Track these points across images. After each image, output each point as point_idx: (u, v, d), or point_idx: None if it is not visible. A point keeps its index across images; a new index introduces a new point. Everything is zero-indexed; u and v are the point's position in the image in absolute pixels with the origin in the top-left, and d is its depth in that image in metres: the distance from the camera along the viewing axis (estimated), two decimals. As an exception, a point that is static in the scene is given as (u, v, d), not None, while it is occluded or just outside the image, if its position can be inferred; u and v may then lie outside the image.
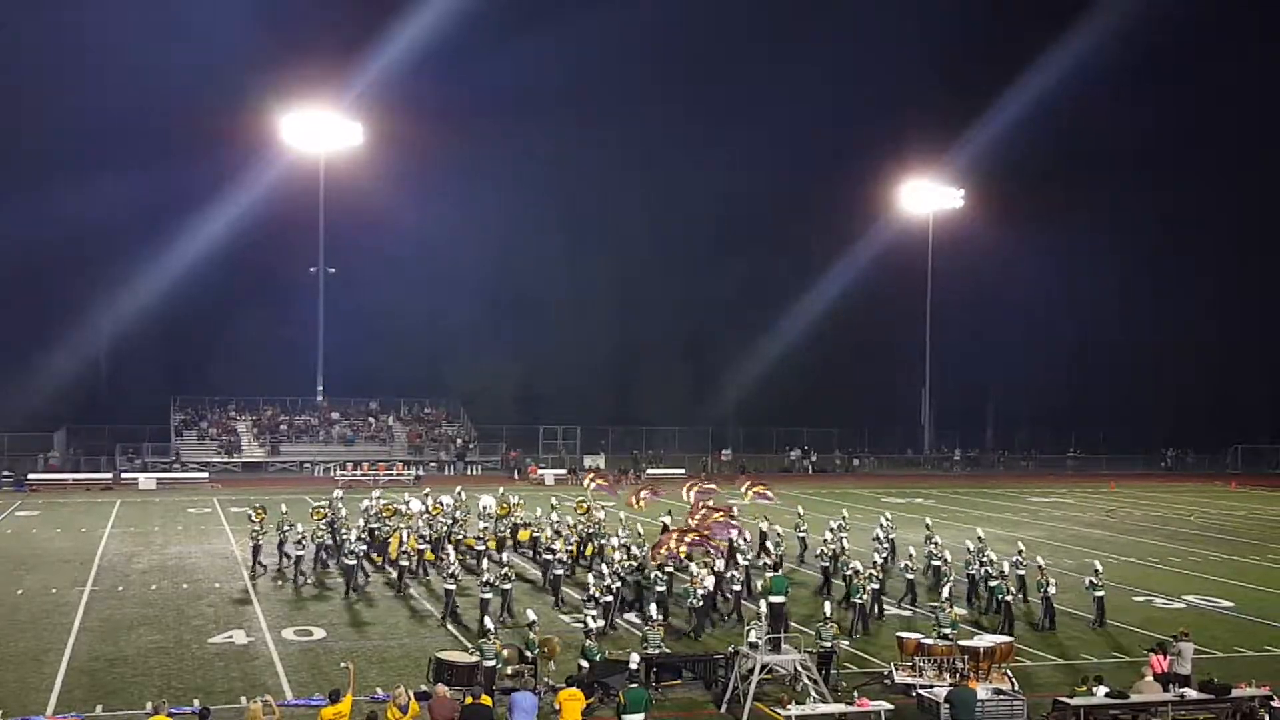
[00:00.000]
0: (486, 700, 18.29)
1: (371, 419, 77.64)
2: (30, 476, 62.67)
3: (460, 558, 31.20)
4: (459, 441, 76.49)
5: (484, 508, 37.56)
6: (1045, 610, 27.87)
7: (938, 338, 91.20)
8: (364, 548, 32.72)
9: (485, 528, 35.34)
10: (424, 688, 20.34)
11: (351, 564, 31.04)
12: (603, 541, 33.58)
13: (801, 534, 37.23)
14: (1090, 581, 28.39)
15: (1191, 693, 20.74)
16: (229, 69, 74.73)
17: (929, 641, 22.76)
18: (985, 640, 22.99)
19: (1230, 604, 31.26)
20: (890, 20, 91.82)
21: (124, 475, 64.49)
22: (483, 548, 33.54)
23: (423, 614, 28.62)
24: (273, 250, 78.25)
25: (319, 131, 73.19)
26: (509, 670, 21.23)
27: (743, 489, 38.25)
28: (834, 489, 65.94)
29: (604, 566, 28.38)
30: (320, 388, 77.39)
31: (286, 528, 33.70)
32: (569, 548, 32.13)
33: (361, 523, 35.30)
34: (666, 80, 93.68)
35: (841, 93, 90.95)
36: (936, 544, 32.63)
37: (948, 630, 23.22)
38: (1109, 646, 26.17)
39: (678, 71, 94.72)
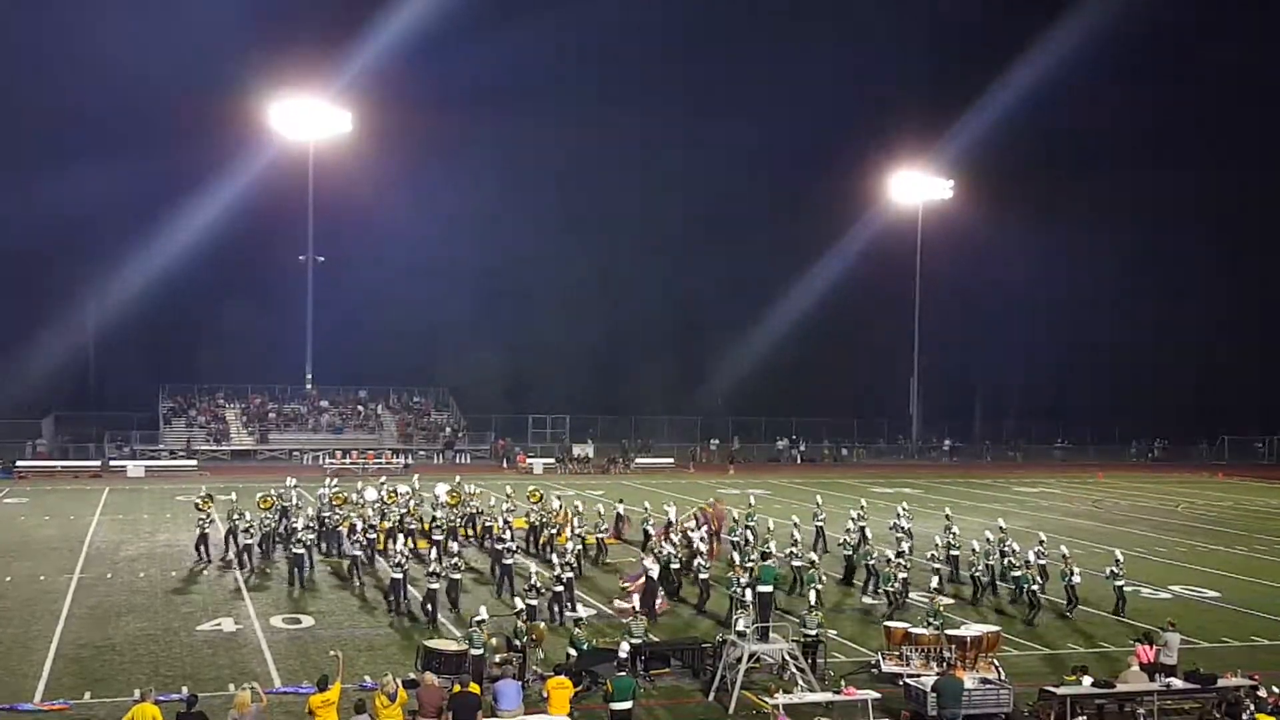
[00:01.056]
0: (474, 688, 18.39)
1: (360, 407, 77.56)
2: (18, 464, 62.39)
3: (410, 546, 30.98)
4: (448, 430, 76.43)
5: (435, 497, 37.48)
6: (1069, 598, 28.38)
7: (926, 328, 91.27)
8: (312, 536, 32.55)
9: (437, 517, 35.07)
10: (412, 676, 20.43)
11: (299, 553, 30.77)
12: (553, 531, 33.73)
13: (819, 522, 37.22)
14: (1111, 571, 28.85)
15: (1178, 682, 20.86)
16: (218, 56, 74.52)
17: (916, 631, 22.94)
18: (972, 630, 23.14)
19: (1217, 594, 31.50)
20: (881, 10, 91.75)
21: (112, 463, 64.42)
22: (439, 537, 33.27)
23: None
24: (262, 238, 77.92)
25: (308, 120, 72.85)
26: (497, 659, 21.27)
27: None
28: (822, 479, 65.91)
29: (554, 556, 28.41)
30: (309, 376, 77.15)
31: (236, 517, 33.37)
32: (516, 539, 31.89)
33: (311, 511, 35.16)
34: (656, 70, 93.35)
35: (831, 83, 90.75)
36: (955, 534, 33.14)
37: (935, 620, 23.33)
38: (1127, 634, 26.09)
39: (667, 61, 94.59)
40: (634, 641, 22.15)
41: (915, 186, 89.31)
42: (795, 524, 33.24)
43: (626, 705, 18.54)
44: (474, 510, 37.49)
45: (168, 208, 75.18)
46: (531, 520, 35.91)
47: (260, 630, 25.55)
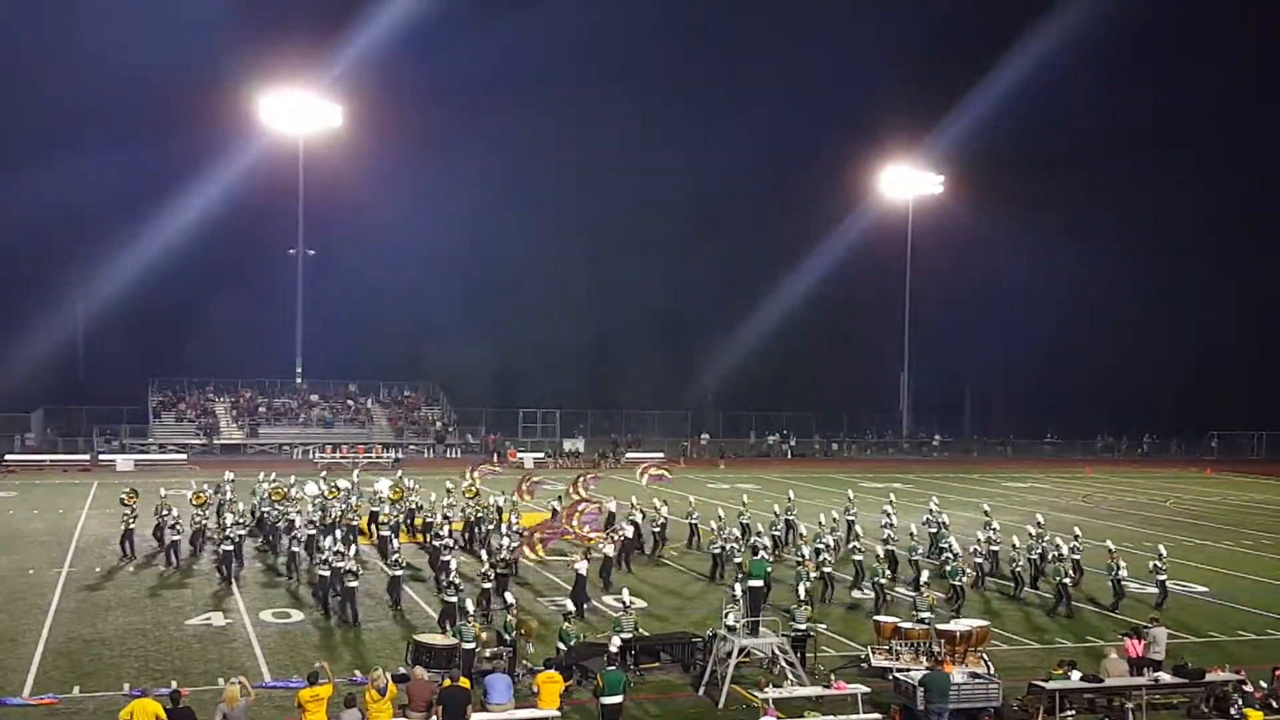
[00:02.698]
0: (465, 682, 18.43)
1: (350, 401, 77.57)
2: (7, 457, 62.34)
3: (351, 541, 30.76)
4: (438, 425, 76.49)
5: (376, 492, 37.10)
6: (1115, 591, 28.71)
7: (917, 323, 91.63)
8: (243, 532, 32.14)
9: (378, 513, 34.76)
10: (402, 670, 20.45)
11: (228, 549, 30.41)
12: (489, 527, 33.53)
13: (851, 517, 36.14)
14: (1154, 565, 29.25)
15: (1165, 676, 21.01)
16: (207, 49, 74.38)
17: (906, 625, 22.99)
18: (962, 624, 23.15)
19: (1204, 589, 31.58)
20: (871, 6, 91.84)
21: (101, 456, 64.29)
22: (387, 533, 32.89)
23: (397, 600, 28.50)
24: (251, 232, 77.93)
25: (298, 113, 72.87)
26: (487, 653, 21.30)
27: (639, 472, 39.14)
28: (813, 473, 66.13)
29: (483, 553, 28.52)
30: (299, 370, 77.34)
31: (165, 512, 32.87)
32: (454, 534, 31.67)
33: (241, 506, 34.44)
34: (646, 65, 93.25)
35: (822, 78, 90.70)
36: (996, 530, 33.29)
37: (925, 614, 23.47)
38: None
39: (657, 56, 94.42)
40: (624, 636, 22.17)
41: (905, 182, 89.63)
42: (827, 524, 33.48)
43: (617, 699, 18.54)
44: (414, 505, 36.91)
45: (157, 201, 75.13)
46: (468, 516, 35.42)
47: (250, 625, 25.54)
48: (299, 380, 77.34)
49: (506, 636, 21.81)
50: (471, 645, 21.10)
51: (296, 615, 26.56)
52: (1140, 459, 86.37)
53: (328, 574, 26.76)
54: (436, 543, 30.07)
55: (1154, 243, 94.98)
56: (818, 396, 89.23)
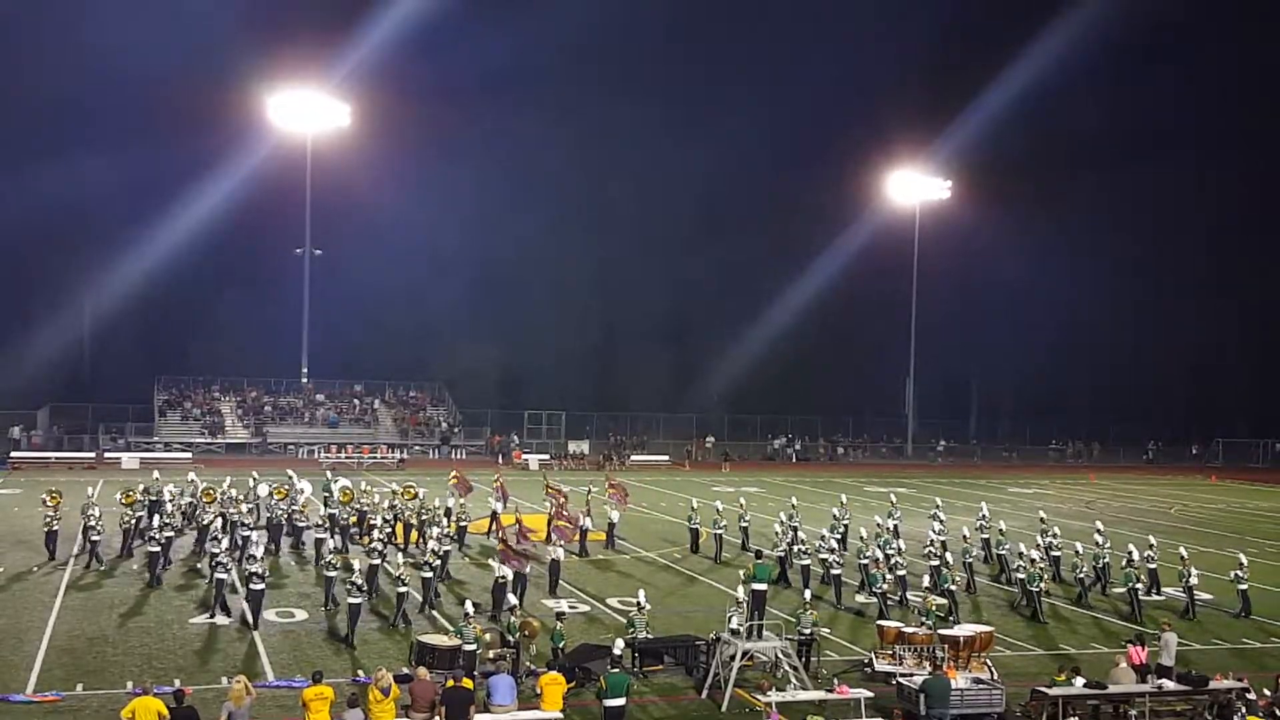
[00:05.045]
0: (468, 683, 18.51)
1: (356, 402, 77.72)
2: (13, 455, 62.48)
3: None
4: (444, 425, 76.62)
5: (328, 494, 36.26)
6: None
7: (922, 328, 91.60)
8: (170, 534, 31.85)
9: (333, 514, 34.71)
10: (405, 670, 20.56)
11: (154, 550, 30.20)
12: (427, 529, 33.07)
13: (895, 520, 36.81)
14: (1235, 574, 29.90)
15: (1169, 684, 21.03)
16: (216, 48, 74.79)
17: (909, 630, 23.07)
18: (965, 629, 23.29)
19: (1208, 596, 31.48)
20: (878, 10, 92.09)
21: (107, 454, 64.31)
22: (323, 535, 32.87)
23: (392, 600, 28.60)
24: (259, 231, 78.24)
25: (306, 112, 72.99)
26: (490, 654, 21.35)
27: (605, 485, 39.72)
28: (818, 477, 66.29)
29: (399, 555, 28.56)
30: (305, 369, 77.47)
31: (92, 510, 32.51)
32: (386, 532, 31.72)
33: (170, 507, 34.21)
34: (653, 67, 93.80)
35: (829, 83, 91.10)
36: (1056, 534, 33.72)
37: (927, 619, 23.57)
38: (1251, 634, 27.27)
39: (665, 59, 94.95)
40: (641, 635, 22.32)
41: (912, 186, 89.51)
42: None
43: (620, 701, 18.61)
44: (362, 508, 36.31)
45: (164, 199, 75.22)
46: (405, 517, 35.07)
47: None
48: (305, 379, 77.48)
49: (510, 638, 21.88)
50: (474, 647, 21.18)
51: (300, 615, 26.67)
52: (1145, 466, 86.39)
53: (259, 569, 26.07)
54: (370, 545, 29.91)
55: (1159, 250, 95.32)
56: (823, 400, 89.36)
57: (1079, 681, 20.55)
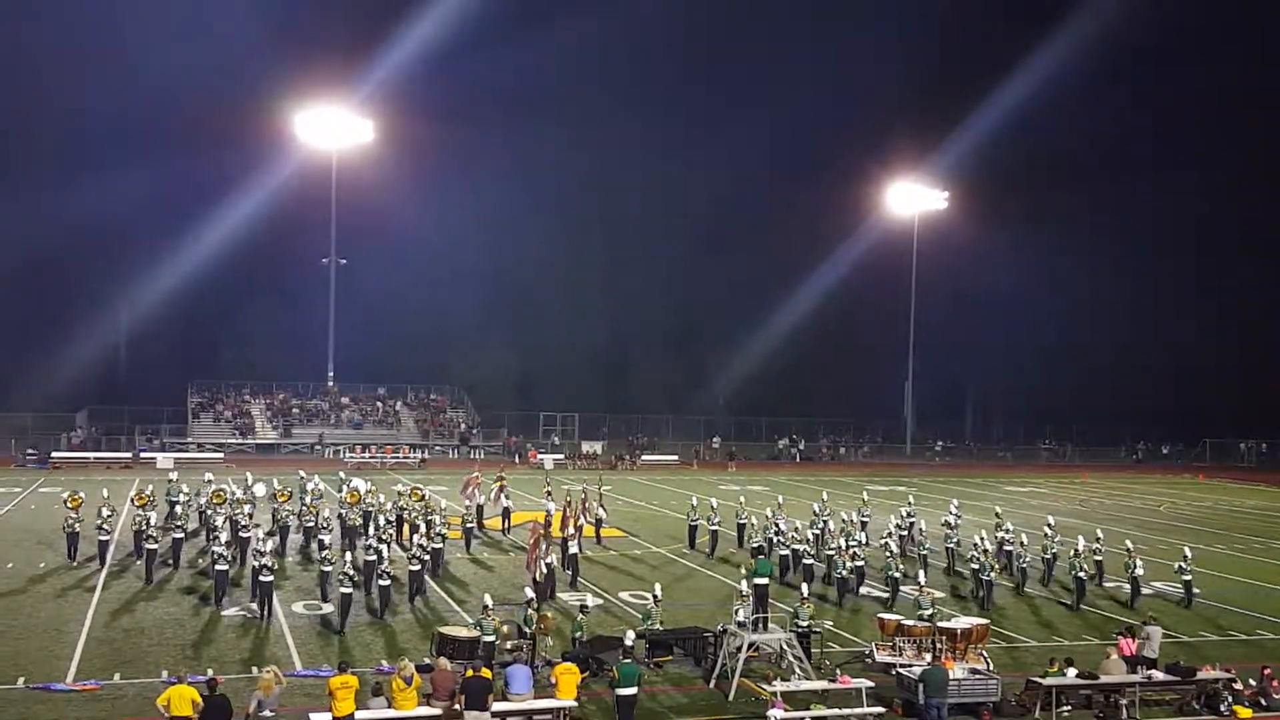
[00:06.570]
0: (486, 673, 18.93)
1: (380, 404, 79.45)
2: (53, 455, 63.74)
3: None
4: (463, 427, 78.31)
5: (339, 495, 36.72)
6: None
7: (921, 334, 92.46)
8: (181, 535, 32.41)
9: (342, 514, 35.30)
10: (426, 660, 21.16)
11: (151, 548, 30.29)
12: (421, 524, 32.95)
13: (912, 519, 36.99)
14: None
15: (1159, 674, 21.72)
16: (246, 68, 76.41)
17: (909, 622, 23.47)
18: (962, 622, 23.50)
19: (1196, 590, 31.57)
20: (878, 24, 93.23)
21: (143, 454, 65.80)
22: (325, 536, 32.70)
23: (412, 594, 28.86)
24: (286, 242, 79.88)
25: (331, 128, 74.89)
26: (508, 645, 21.98)
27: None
28: (820, 476, 66.62)
29: (387, 550, 28.45)
30: (331, 373, 79.01)
31: (107, 512, 32.72)
32: (389, 532, 31.97)
33: (178, 509, 34.48)
34: (661, 82, 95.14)
35: (830, 95, 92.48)
36: (1009, 530, 34.43)
37: (926, 612, 24.42)
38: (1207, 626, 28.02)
39: (671, 73, 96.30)
40: (655, 627, 23.36)
41: (911, 197, 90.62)
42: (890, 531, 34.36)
43: (631, 691, 18.98)
44: (369, 509, 36.18)
45: (197, 212, 77.67)
46: (410, 518, 35.00)
47: (282, 616, 26.24)
48: (331, 383, 79.02)
49: (526, 630, 22.55)
50: (493, 638, 21.63)
51: (328, 607, 27.03)
52: (1135, 465, 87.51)
53: (267, 562, 26.54)
54: (364, 542, 30.36)
55: (1149, 256, 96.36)
56: (825, 403, 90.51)
57: (1071, 672, 21.14)
